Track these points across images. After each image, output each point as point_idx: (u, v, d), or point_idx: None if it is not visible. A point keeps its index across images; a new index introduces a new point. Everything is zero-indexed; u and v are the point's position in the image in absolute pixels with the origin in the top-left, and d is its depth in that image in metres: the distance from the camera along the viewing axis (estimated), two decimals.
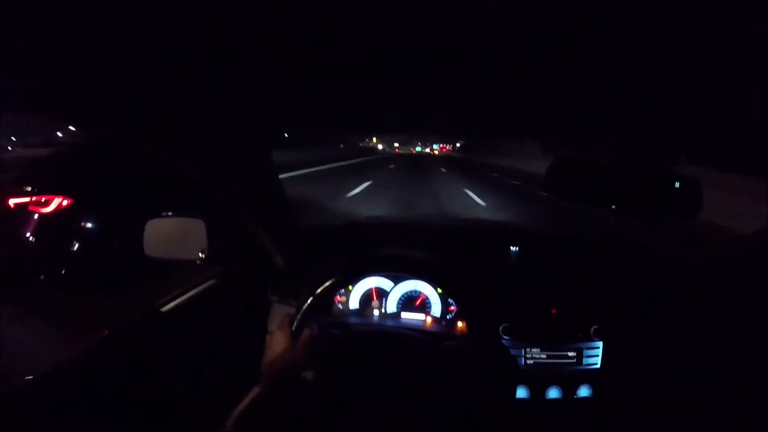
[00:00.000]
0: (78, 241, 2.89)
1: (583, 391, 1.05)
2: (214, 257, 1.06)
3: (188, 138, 0.77)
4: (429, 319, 1.16)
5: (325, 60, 0.47)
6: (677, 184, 0.71)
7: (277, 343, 0.87)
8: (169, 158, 0.80)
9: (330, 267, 1.16)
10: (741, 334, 1.02)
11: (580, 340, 1.06)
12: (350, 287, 1.19)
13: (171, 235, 1.07)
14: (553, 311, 1.09)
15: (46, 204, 2.84)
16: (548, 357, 1.06)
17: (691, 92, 0.48)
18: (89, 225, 2.93)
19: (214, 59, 0.49)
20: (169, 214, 1.09)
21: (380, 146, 69.98)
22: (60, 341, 0.94)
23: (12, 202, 2.92)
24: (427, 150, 78.08)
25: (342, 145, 33.97)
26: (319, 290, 1.10)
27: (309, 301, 1.05)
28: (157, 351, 0.93)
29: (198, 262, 1.04)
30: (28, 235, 2.90)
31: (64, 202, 2.84)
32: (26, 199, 2.87)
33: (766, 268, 1.04)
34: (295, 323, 0.94)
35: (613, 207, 0.75)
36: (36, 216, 2.86)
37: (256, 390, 0.80)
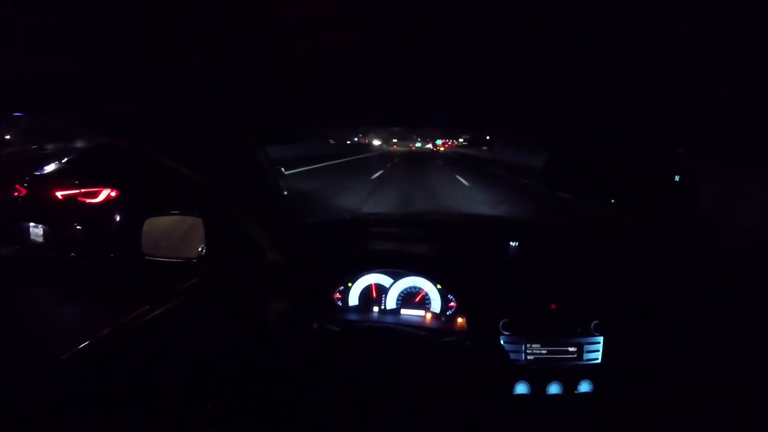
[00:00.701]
0: (122, 229, 3.21)
1: (584, 387, 1.05)
2: (212, 255, 1.05)
3: (185, 136, 0.76)
4: (428, 315, 1.16)
5: (319, 49, 0.44)
6: (677, 178, 0.70)
7: (275, 340, 0.88)
8: (166, 157, 0.81)
9: (329, 263, 1.18)
10: (742, 332, 1.01)
11: (580, 335, 1.06)
12: (349, 284, 1.19)
13: (169, 233, 1.06)
14: (553, 306, 1.09)
15: (95, 195, 3.17)
16: (549, 352, 1.06)
17: (693, 85, 0.47)
18: (131, 215, 3.25)
19: (210, 56, 0.48)
20: (169, 212, 1.10)
21: (376, 141, 62.65)
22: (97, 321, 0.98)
23: (60, 194, 3.25)
24: (428, 146, 69.65)
25: (332, 141, 31.80)
26: (318, 287, 1.12)
27: (308, 298, 1.06)
28: (152, 348, 0.92)
29: (195, 260, 1.03)
30: (76, 223, 3.23)
31: (112, 194, 3.16)
32: (76, 191, 3.19)
33: (765, 264, 1.02)
34: (295, 320, 0.96)
35: (612, 201, 0.75)
36: (85, 206, 3.19)
37: (254, 384, 0.80)
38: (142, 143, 0.74)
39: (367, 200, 7.43)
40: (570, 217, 5.58)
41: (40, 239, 3.39)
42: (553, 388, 1.05)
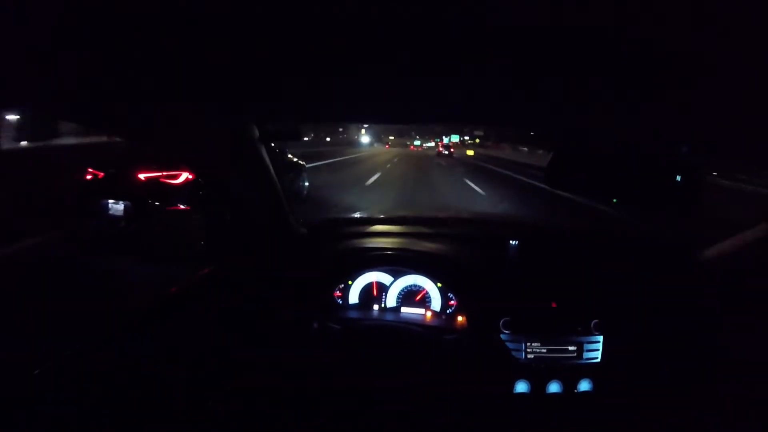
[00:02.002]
0: (196, 207, 3.84)
1: (584, 386, 1.05)
2: (214, 251, 1.05)
3: (188, 134, 0.75)
4: (429, 314, 1.17)
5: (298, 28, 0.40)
6: (678, 177, 0.70)
7: (276, 338, 0.87)
8: (170, 154, 0.85)
9: (329, 261, 1.18)
10: (742, 332, 1.02)
11: (580, 334, 1.07)
12: (350, 282, 1.19)
13: (171, 230, 1.20)
14: (553, 305, 1.09)
15: (176, 177, 3.80)
16: (549, 351, 1.06)
17: (696, 82, 0.45)
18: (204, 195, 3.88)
19: (205, 55, 0.47)
20: (170, 209, 1.30)
21: (365, 138, 51.09)
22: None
23: (143, 175, 3.87)
24: (431, 144, 56.19)
25: (308, 138, 29.23)
26: (318, 285, 1.14)
27: (308, 296, 1.08)
28: (154, 345, 0.92)
29: (198, 256, 1.12)
30: (156, 200, 3.86)
31: (190, 177, 3.78)
32: (158, 173, 3.81)
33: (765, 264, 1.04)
34: (296, 318, 0.96)
35: (615, 201, 0.75)
36: (166, 186, 3.81)
37: (255, 383, 0.81)
38: (142, 141, 0.74)
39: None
40: (574, 215, 5.82)
41: (120, 213, 3.98)
42: (553, 387, 1.05)
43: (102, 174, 4.18)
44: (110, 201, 4.03)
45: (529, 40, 0.40)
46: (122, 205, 3.96)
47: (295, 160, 6.78)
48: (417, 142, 63.04)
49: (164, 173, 3.87)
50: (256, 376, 0.95)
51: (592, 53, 0.42)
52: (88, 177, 4.27)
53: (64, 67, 0.48)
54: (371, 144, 52.53)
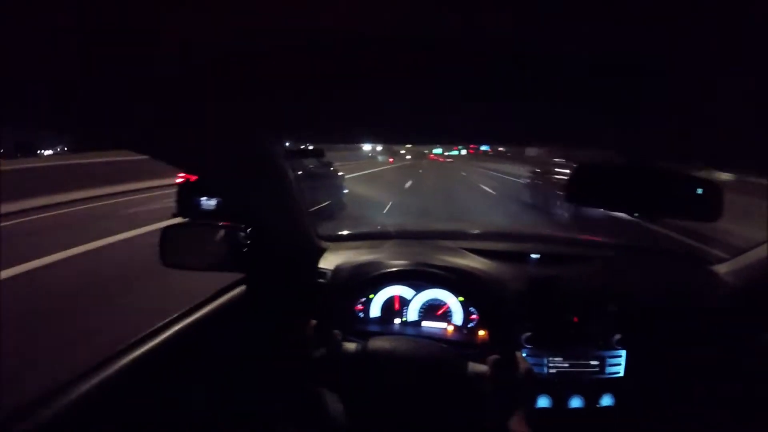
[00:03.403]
0: None
1: (606, 400, 1.05)
2: (234, 267, 1.06)
3: (208, 146, 0.74)
4: (450, 328, 1.16)
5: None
6: (699, 190, 0.68)
7: (299, 352, 0.88)
8: (193, 166, 0.82)
9: (351, 275, 1.19)
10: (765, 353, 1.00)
11: (602, 348, 1.06)
12: (371, 296, 1.19)
13: (190, 243, 1.08)
14: (575, 319, 1.08)
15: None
16: (571, 366, 1.05)
17: (712, 93, 0.44)
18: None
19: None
20: (188, 221, 1.10)
21: (365, 146, 30.21)
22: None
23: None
24: (454, 153, 44.76)
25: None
26: (340, 299, 1.15)
27: (330, 310, 1.09)
28: (176, 360, 0.89)
29: (217, 270, 1.05)
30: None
31: None
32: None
33: None
34: (317, 332, 0.96)
35: (636, 215, 0.74)
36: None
37: (276, 398, 0.81)
38: (162, 150, 0.71)
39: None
40: (598, 231, 5.58)
41: (212, 208, 5.01)
42: (575, 402, 1.04)
43: (194, 177, 5.25)
44: (203, 198, 5.08)
45: (538, 56, 0.40)
46: (214, 201, 4.98)
47: (337, 171, 8.00)
48: (438, 150, 45.79)
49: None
50: (276, 389, 0.95)
51: (612, 69, 0.41)
52: (180, 180, 5.35)
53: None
54: (375, 157, 38.82)
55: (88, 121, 0.56)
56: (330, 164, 7.53)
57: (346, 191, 8.13)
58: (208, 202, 5.05)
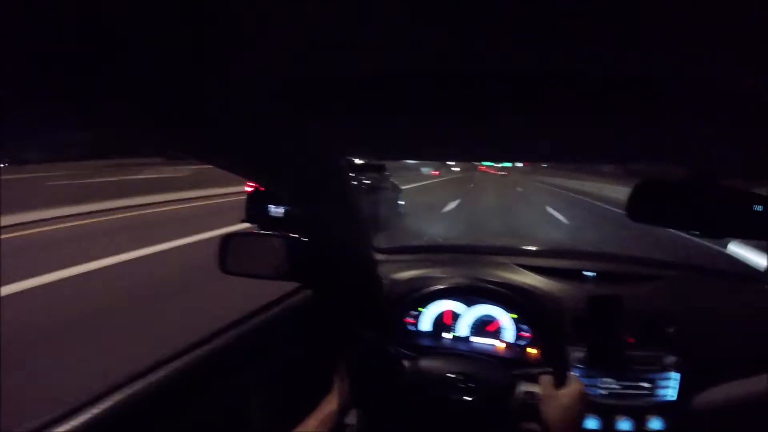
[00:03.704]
0: None
1: (655, 424, 1.03)
2: (292, 276, 1.08)
3: (274, 157, 0.74)
4: (502, 345, 1.15)
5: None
6: (759, 208, 0.67)
7: (349, 366, 0.88)
8: (265, 181, 0.83)
9: (404, 288, 1.19)
10: None
11: (656, 371, 1.04)
12: (421, 309, 1.20)
13: (250, 252, 1.11)
14: (631, 340, 1.07)
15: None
16: (622, 387, 1.05)
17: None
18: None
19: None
20: (250, 231, 1.14)
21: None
22: None
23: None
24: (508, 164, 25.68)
25: None
26: (393, 312, 1.15)
27: (384, 323, 1.09)
28: (224, 371, 0.88)
29: (276, 279, 1.06)
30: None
31: None
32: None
33: None
34: (367, 345, 0.95)
35: (697, 233, 0.72)
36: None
37: (326, 411, 0.82)
38: (231, 166, 0.72)
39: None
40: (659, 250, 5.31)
41: (280, 215, 5.16)
42: (624, 425, 1.03)
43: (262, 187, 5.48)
44: (272, 206, 5.25)
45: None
46: (282, 209, 5.13)
47: (396, 183, 8.30)
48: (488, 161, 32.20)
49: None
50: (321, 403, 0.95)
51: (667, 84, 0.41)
52: (249, 189, 5.59)
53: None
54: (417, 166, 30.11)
55: (175, 132, 0.56)
56: (389, 177, 7.71)
57: (403, 203, 8.39)
58: (277, 210, 5.17)
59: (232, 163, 0.73)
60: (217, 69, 0.42)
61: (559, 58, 0.38)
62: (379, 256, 1.33)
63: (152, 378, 0.74)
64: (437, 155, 1.07)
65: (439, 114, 0.57)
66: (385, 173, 7.52)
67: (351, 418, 0.87)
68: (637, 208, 0.75)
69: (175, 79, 0.42)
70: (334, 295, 1.15)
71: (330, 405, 0.82)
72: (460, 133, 0.68)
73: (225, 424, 0.88)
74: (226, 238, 1.07)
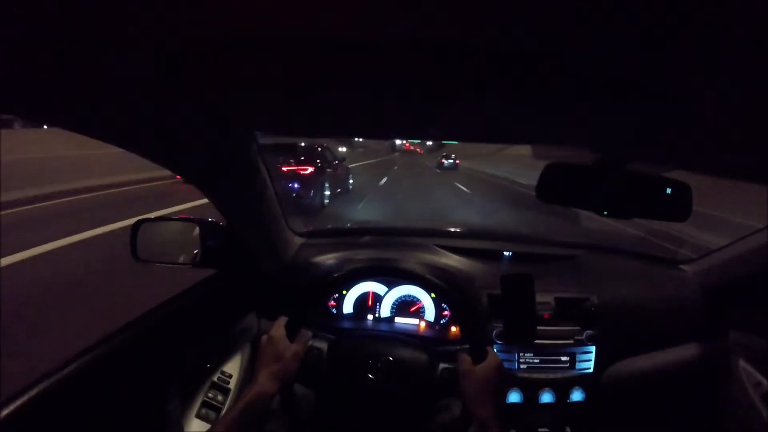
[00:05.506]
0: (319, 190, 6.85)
1: (576, 396, 1.07)
2: (208, 263, 1.05)
3: (183, 140, 0.72)
4: (422, 324, 1.17)
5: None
6: (669, 190, 0.69)
7: (270, 349, 0.87)
8: (166, 160, 0.77)
9: (324, 271, 1.18)
10: (733, 344, 1.02)
11: (573, 345, 1.08)
12: (344, 292, 1.20)
13: (163, 238, 1.05)
14: (546, 316, 1.10)
15: (306, 169, 6.76)
16: (541, 362, 1.08)
17: (684, 94, 0.44)
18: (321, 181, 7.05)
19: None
20: (162, 216, 1.09)
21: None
22: None
23: (285, 168, 6.71)
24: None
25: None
26: (313, 295, 1.15)
27: (302, 306, 1.08)
28: (145, 359, 0.84)
29: (191, 266, 1.03)
30: (295, 183, 6.62)
31: (311, 169, 6.76)
32: (295, 168, 6.70)
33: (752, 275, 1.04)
34: (289, 328, 0.93)
35: (605, 213, 0.73)
36: (300, 174, 6.68)
37: (246, 396, 0.79)
38: (136, 146, 0.67)
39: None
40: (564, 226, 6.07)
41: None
42: (546, 397, 1.06)
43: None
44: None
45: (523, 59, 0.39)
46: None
47: (344, 162, 9.45)
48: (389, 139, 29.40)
49: (299, 167, 6.75)
50: (243, 386, 0.94)
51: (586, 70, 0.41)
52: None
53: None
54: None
55: (74, 115, 0.55)
56: (334, 156, 8.84)
57: (351, 181, 9.66)
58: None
59: (136, 143, 0.68)
60: (109, 33, 0.37)
61: (457, 31, 0.35)
62: (299, 240, 1.32)
63: (57, 376, 0.67)
64: (344, 132, 1.10)
65: (347, 90, 0.53)
66: (339, 155, 9.43)
67: (274, 403, 0.87)
68: (545, 190, 0.76)
69: (67, 52, 0.40)
70: (249, 280, 1.14)
71: (251, 391, 0.80)
72: (367, 108, 0.65)
73: (129, 420, 0.81)
74: (137, 224, 1.02)
